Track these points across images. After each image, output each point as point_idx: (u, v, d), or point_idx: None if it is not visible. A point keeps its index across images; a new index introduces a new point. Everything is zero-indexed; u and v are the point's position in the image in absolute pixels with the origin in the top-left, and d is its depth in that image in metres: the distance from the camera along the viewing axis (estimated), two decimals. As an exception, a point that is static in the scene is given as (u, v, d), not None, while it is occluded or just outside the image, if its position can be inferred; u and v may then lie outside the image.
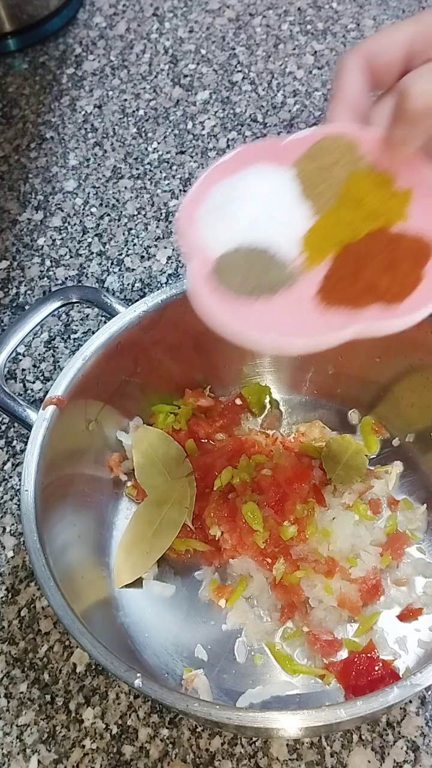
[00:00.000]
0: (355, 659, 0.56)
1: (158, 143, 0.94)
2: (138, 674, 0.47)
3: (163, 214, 0.87)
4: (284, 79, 0.99)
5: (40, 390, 0.76)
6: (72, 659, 0.61)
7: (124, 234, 0.86)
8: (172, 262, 0.83)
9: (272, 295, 0.41)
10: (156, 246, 0.85)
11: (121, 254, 0.85)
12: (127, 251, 0.85)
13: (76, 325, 0.80)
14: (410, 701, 0.57)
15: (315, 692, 0.57)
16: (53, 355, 0.78)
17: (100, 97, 1.00)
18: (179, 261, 0.83)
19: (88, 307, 0.80)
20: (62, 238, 0.87)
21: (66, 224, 0.88)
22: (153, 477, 0.64)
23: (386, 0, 1.06)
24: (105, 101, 1.00)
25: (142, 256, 0.84)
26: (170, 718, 0.58)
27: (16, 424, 0.73)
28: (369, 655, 0.57)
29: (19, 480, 0.61)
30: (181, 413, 0.68)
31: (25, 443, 0.58)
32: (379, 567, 0.60)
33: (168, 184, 0.90)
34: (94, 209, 0.89)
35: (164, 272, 0.83)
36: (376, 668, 0.56)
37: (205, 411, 0.69)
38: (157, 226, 0.86)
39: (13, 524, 0.68)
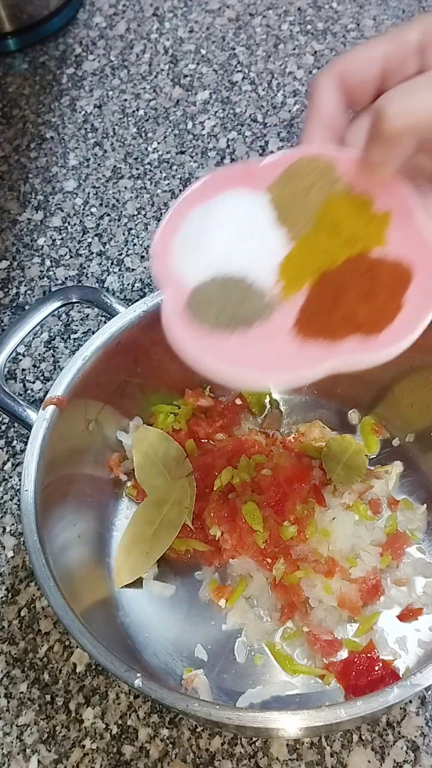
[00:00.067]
0: (355, 659, 0.57)
1: (158, 143, 0.94)
2: (138, 674, 0.47)
3: (163, 214, 0.87)
4: (284, 79, 0.99)
5: (40, 390, 0.76)
6: (72, 659, 0.61)
7: (124, 234, 0.86)
8: (172, 262, 0.83)
9: (248, 328, 0.40)
10: (156, 246, 0.85)
11: (121, 254, 0.85)
12: (127, 251, 0.85)
13: (76, 325, 0.80)
14: (410, 701, 0.57)
15: (315, 692, 0.57)
16: (53, 355, 0.78)
17: (100, 97, 1.00)
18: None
19: (88, 307, 0.80)
20: (62, 238, 0.87)
21: (66, 224, 0.88)
22: (153, 477, 0.64)
23: (386, 0, 1.06)
24: (105, 101, 1.00)
25: (142, 256, 0.84)
26: (170, 718, 0.58)
27: (16, 424, 0.73)
28: (369, 655, 0.57)
29: (19, 480, 0.61)
30: (181, 413, 0.68)
31: (25, 443, 0.58)
32: (379, 567, 0.60)
33: (168, 184, 0.90)
34: (94, 209, 0.89)
35: (164, 272, 0.82)
36: (376, 668, 0.56)
37: (205, 411, 0.69)
38: (157, 226, 0.86)
39: (13, 524, 0.68)
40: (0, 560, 0.66)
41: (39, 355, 0.78)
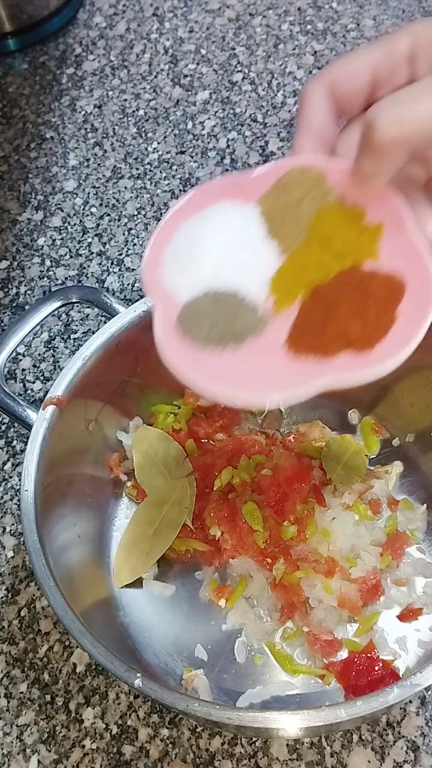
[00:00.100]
0: (355, 659, 0.57)
1: (158, 143, 0.94)
2: (138, 674, 0.47)
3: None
4: (284, 79, 0.99)
5: (40, 390, 0.76)
6: (72, 659, 0.61)
7: (124, 234, 0.86)
8: (172, 262, 0.83)
9: (240, 344, 0.40)
10: (156, 246, 0.85)
11: (121, 254, 0.85)
12: (127, 251, 0.85)
13: (76, 325, 0.80)
14: (410, 701, 0.57)
15: (315, 692, 0.57)
16: (53, 355, 0.78)
17: (100, 97, 1.00)
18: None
19: (88, 307, 0.80)
20: (62, 238, 0.87)
21: (66, 224, 0.88)
22: (153, 477, 0.64)
23: (386, 0, 1.06)
24: (105, 101, 1.00)
25: (142, 256, 0.84)
26: (170, 718, 0.58)
27: (16, 424, 0.73)
28: (369, 655, 0.57)
29: (19, 480, 0.61)
30: (181, 413, 0.68)
31: (25, 443, 0.58)
32: (379, 567, 0.60)
33: (168, 184, 0.90)
34: (94, 209, 0.89)
35: (164, 272, 0.82)
36: (376, 668, 0.56)
37: (205, 411, 0.69)
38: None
39: (13, 524, 0.68)
40: (0, 560, 0.66)
41: (39, 355, 0.78)
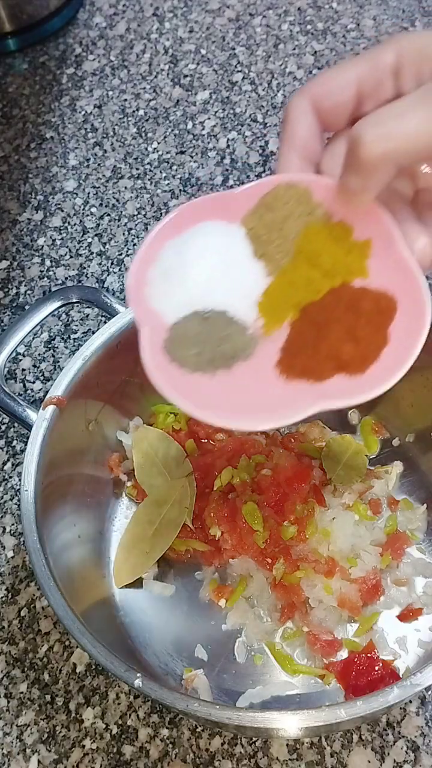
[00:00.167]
0: (355, 659, 0.57)
1: (158, 143, 0.94)
2: (138, 674, 0.47)
3: (163, 214, 0.87)
4: (284, 79, 0.99)
5: (40, 390, 0.76)
6: (72, 659, 0.61)
7: (124, 234, 0.86)
8: (172, 262, 0.83)
9: (230, 367, 0.39)
10: (156, 246, 0.85)
11: (121, 254, 0.85)
12: (127, 251, 0.85)
13: (76, 325, 0.80)
14: (410, 701, 0.57)
15: (315, 692, 0.57)
16: (53, 355, 0.78)
17: (100, 97, 1.00)
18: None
19: (88, 307, 0.80)
20: (62, 238, 0.87)
21: (66, 224, 0.88)
22: (153, 477, 0.64)
23: (386, 0, 1.06)
24: (105, 101, 1.00)
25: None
26: (170, 718, 0.58)
27: (16, 424, 0.73)
28: (369, 655, 0.57)
29: (19, 480, 0.61)
30: (181, 413, 0.68)
31: (25, 443, 0.58)
32: (379, 567, 0.60)
33: (168, 184, 0.90)
34: (94, 209, 0.89)
35: (164, 272, 0.82)
36: (376, 668, 0.56)
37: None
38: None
39: (13, 524, 0.68)
40: (0, 560, 0.66)
41: (39, 355, 0.78)
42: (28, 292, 0.83)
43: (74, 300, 0.64)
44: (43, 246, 0.86)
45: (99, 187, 0.91)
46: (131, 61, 1.04)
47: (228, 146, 0.93)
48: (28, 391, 0.76)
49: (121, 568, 0.62)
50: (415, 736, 0.56)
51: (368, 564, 0.59)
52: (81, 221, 0.88)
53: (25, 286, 0.84)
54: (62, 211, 0.89)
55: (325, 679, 0.57)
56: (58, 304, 0.63)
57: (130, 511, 0.66)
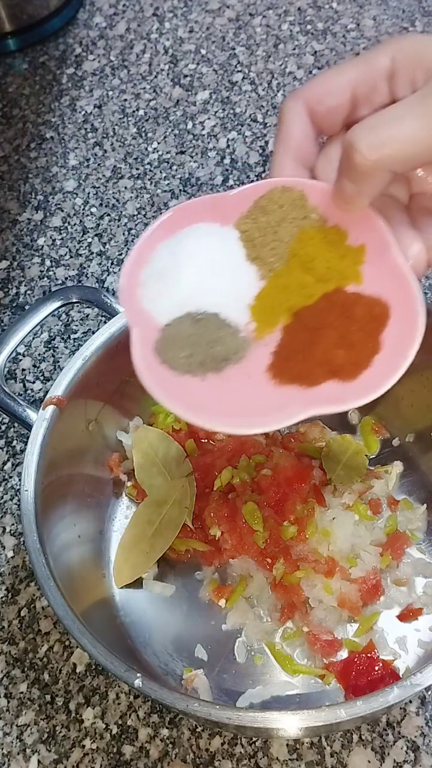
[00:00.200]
0: (355, 659, 0.56)
1: (158, 143, 0.94)
2: (138, 674, 0.47)
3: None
4: (284, 79, 0.99)
5: (40, 390, 0.76)
6: (72, 659, 0.61)
7: (124, 234, 0.86)
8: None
9: (221, 371, 0.39)
10: (156, 246, 0.85)
11: (121, 254, 0.85)
12: (127, 251, 0.85)
13: (76, 325, 0.80)
14: (410, 701, 0.57)
15: (315, 692, 0.57)
16: (53, 355, 0.78)
17: (100, 97, 1.00)
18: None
19: (88, 307, 0.80)
20: (62, 238, 0.87)
21: (66, 224, 0.88)
22: (153, 477, 0.64)
23: (386, 0, 1.06)
24: (105, 101, 1.00)
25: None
26: (170, 718, 0.58)
27: (16, 424, 0.73)
28: (369, 655, 0.57)
29: (19, 480, 0.61)
30: (181, 413, 0.68)
31: (25, 443, 0.58)
32: (379, 567, 0.60)
33: (168, 184, 0.90)
34: (94, 209, 0.89)
35: (164, 272, 0.82)
36: (376, 668, 0.56)
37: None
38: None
39: (13, 524, 0.68)
40: (0, 560, 0.66)
41: (39, 355, 0.78)
42: (28, 292, 0.83)
43: (74, 300, 0.64)
44: (43, 246, 0.86)
45: (99, 187, 0.91)
46: (131, 61, 1.04)
47: (228, 146, 0.93)
48: (28, 391, 0.76)
49: (121, 568, 0.62)
50: (415, 736, 0.56)
51: (368, 564, 0.59)
52: (81, 221, 0.88)
53: (25, 286, 0.84)
54: (62, 211, 0.89)
55: (325, 679, 0.57)
56: (58, 304, 0.63)
57: (130, 511, 0.66)
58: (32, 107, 1.00)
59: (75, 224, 0.88)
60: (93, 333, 0.63)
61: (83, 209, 0.89)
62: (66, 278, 0.84)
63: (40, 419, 0.58)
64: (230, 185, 0.89)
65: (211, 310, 0.40)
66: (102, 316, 0.76)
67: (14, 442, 0.73)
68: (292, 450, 0.66)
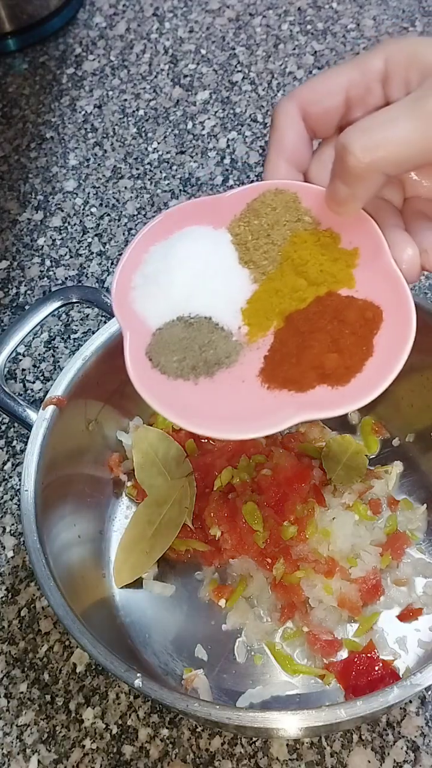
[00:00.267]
0: (355, 659, 0.56)
1: (158, 143, 0.94)
2: (138, 674, 0.47)
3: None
4: (284, 79, 0.99)
5: (40, 390, 0.76)
6: (72, 659, 0.61)
7: (124, 234, 0.86)
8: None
9: (213, 375, 0.39)
10: (156, 246, 0.85)
11: (121, 254, 0.84)
12: (127, 251, 0.85)
13: (76, 325, 0.80)
14: (410, 701, 0.57)
15: (315, 692, 0.57)
16: (53, 355, 0.78)
17: (100, 97, 1.00)
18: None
19: (88, 307, 0.80)
20: (62, 238, 0.87)
21: (66, 224, 0.88)
22: (153, 477, 0.64)
23: (386, 0, 1.06)
24: (105, 101, 1.00)
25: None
26: (170, 718, 0.58)
27: (16, 424, 0.73)
28: (369, 655, 0.57)
29: (19, 480, 0.61)
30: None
31: (25, 443, 0.58)
32: (379, 567, 0.60)
33: (168, 184, 0.90)
34: (94, 209, 0.89)
35: (164, 272, 0.82)
36: (376, 668, 0.56)
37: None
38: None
39: (13, 524, 0.68)
40: (0, 560, 0.66)
41: (39, 355, 0.78)
42: (28, 292, 0.83)
43: (74, 300, 0.64)
44: (43, 246, 0.86)
45: (99, 187, 0.91)
46: (131, 61, 1.04)
47: (228, 146, 0.93)
48: (28, 391, 0.76)
49: (121, 568, 0.62)
50: (415, 736, 0.56)
51: (368, 564, 0.59)
52: (81, 221, 0.88)
53: (25, 286, 0.84)
54: (62, 211, 0.89)
55: (325, 679, 0.57)
56: (58, 304, 0.63)
57: (130, 511, 0.66)
58: (32, 107, 1.00)
59: (75, 224, 0.88)
60: (93, 333, 0.63)
61: (83, 209, 0.89)
62: (66, 278, 0.84)
63: (40, 419, 0.58)
64: (230, 185, 0.89)
65: (204, 313, 0.40)
66: (102, 316, 0.77)
67: (14, 442, 0.73)
68: (292, 450, 0.66)
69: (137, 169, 0.92)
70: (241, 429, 0.38)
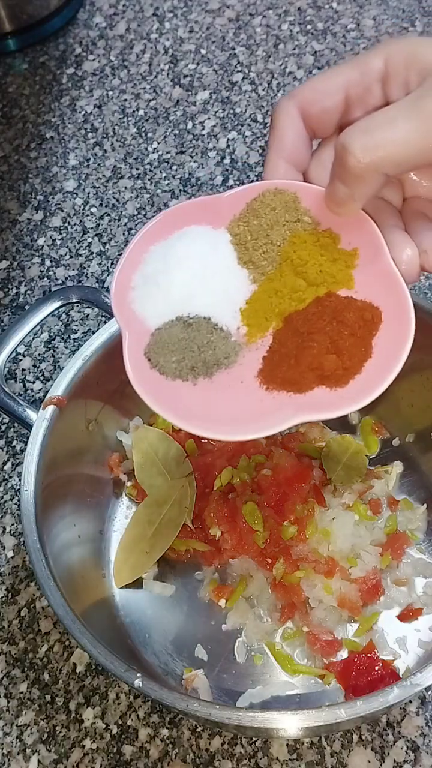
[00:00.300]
0: (355, 659, 0.56)
1: (158, 143, 0.94)
2: (138, 674, 0.47)
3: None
4: (284, 79, 0.99)
5: (40, 390, 0.76)
6: (72, 659, 0.61)
7: (124, 234, 0.86)
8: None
9: (212, 376, 0.39)
10: (156, 246, 0.85)
11: (121, 254, 0.84)
12: (127, 251, 0.85)
13: (76, 325, 0.80)
14: (410, 701, 0.57)
15: (315, 692, 0.57)
16: (53, 355, 0.78)
17: (100, 97, 1.00)
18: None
19: (88, 307, 0.80)
20: (62, 238, 0.87)
21: (66, 224, 0.88)
22: (153, 477, 0.64)
23: (386, 0, 1.06)
24: (105, 101, 1.00)
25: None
26: (170, 718, 0.58)
27: (16, 424, 0.73)
28: (369, 655, 0.57)
29: (19, 480, 0.61)
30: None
31: (25, 443, 0.58)
32: (379, 567, 0.60)
33: (168, 184, 0.90)
34: (94, 209, 0.89)
35: (164, 272, 0.82)
36: (376, 668, 0.56)
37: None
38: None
39: (13, 524, 0.68)
40: (0, 560, 0.66)
41: (39, 355, 0.78)
42: (28, 292, 0.83)
43: (74, 300, 0.64)
44: (43, 246, 0.86)
45: (99, 187, 0.91)
46: (131, 61, 1.04)
47: (228, 146, 0.93)
48: (28, 391, 0.76)
49: (121, 568, 0.62)
50: (415, 736, 0.56)
51: (368, 564, 0.59)
52: (81, 221, 0.88)
53: (25, 286, 0.84)
54: (62, 211, 0.89)
55: (325, 679, 0.57)
56: (58, 304, 0.63)
57: (130, 511, 0.66)
58: (32, 107, 1.00)
59: (75, 224, 0.88)
60: (93, 333, 0.63)
61: (83, 209, 0.89)
62: (66, 278, 0.84)
63: (40, 419, 0.58)
64: (230, 185, 0.89)
65: (203, 314, 0.40)
66: (102, 316, 0.77)
67: (14, 442, 0.73)
68: (292, 450, 0.66)
69: (137, 169, 0.92)
70: (239, 430, 0.38)
